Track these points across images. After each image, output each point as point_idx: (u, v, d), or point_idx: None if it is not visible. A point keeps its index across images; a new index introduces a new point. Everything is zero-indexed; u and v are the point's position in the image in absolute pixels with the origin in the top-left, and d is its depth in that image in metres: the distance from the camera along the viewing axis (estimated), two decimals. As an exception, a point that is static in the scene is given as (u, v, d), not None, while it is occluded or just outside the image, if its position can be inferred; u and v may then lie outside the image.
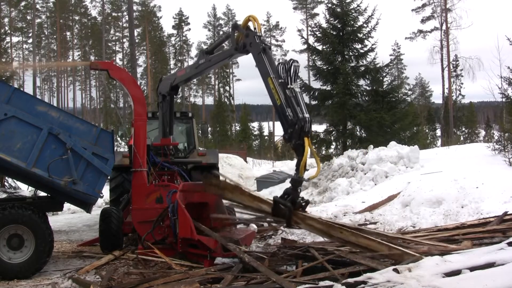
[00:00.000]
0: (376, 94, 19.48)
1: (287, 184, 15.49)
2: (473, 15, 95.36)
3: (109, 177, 9.30)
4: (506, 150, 12.06)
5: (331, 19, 20.39)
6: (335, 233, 6.22)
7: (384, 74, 20.14)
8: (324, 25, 20.74)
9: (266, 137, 64.24)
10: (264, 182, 17.92)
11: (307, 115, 6.50)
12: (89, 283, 6.40)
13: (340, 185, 12.73)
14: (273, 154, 50.25)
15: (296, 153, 6.75)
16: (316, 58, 21.80)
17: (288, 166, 30.18)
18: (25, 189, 15.56)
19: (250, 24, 7.52)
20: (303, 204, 6.66)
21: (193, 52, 67.91)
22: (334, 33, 20.13)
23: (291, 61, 6.79)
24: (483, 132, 48.57)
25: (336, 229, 6.24)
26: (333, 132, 19.92)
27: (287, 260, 6.81)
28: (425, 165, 12.67)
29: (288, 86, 6.62)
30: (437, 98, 71.37)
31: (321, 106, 20.44)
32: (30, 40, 59.41)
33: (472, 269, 5.02)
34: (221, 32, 66.66)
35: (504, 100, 15.71)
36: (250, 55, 7.46)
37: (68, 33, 66.23)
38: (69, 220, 13.91)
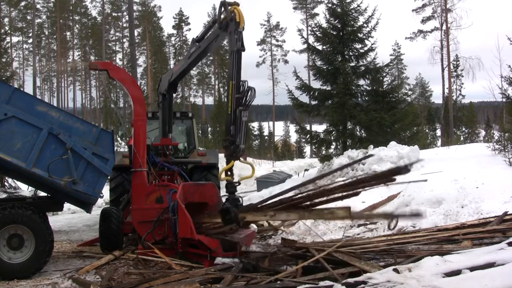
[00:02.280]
0: (376, 94, 19.46)
1: (287, 184, 15.51)
2: (474, 15, 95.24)
3: (109, 177, 9.30)
4: (506, 150, 12.04)
5: (331, 19, 20.36)
6: (274, 217, 6.69)
7: (384, 74, 20.12)
8: (324, 25, 20.72)
9: (266, 137, 64.23)
10: (264, 182, 17.90)
11: (242, 146, 7.38)
12: (89, 283, 6.41)
13: (340, 185, 12.71)
14: (273, 154, 50.24)
15: (226, 159, 7.61)
16: (316, 58, 21.77)
17: (288, 166, 30.17)
18: (25, 189, 15.57)
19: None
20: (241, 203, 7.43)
21: (193, 52, 67.83)
22: (334, 33, 20.10)
23: (248, 87, 7.29)
24: (483, 132, 48.55)
25: (271, 212, 6.60)
26: (333, 132, 19.89)
27: (287, 260, 6.81)
28: (425, 165, 12.65)
29: (240, 108, 7.22)
30: (437, 98, 71.45)
31: (321, 106, 20.42)
32: (30, 40, 59.44)
33: (472, 269, 5.03)
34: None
35: (504, 100, 15.68)
36: None
37: (68, 33, 66.22)
38: (69, 220, 13.92)
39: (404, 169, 5.12)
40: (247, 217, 6.88)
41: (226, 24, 7.67)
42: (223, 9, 7.76)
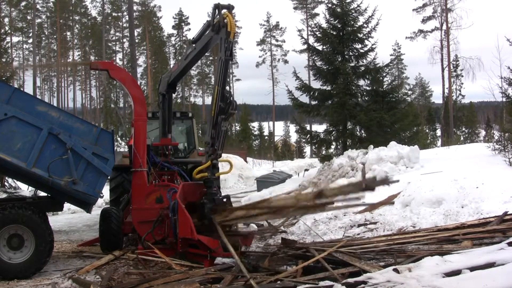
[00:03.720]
0: (376, 94, 19.46)
1: (287, 184, 15.53)
2: (474, 15, 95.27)
3: (109, 177, 9.30)
4: (506, 150, 12.05)
5: (331, 19, 20.37)
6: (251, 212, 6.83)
7: (384, 74, 20.12)
8: (324, 25, 20.73)
9: (266, 137, 64.24)
10: (264, 182, 17.91)
11: (219, 152, 7.83)
12: (89, 283, 6.41)
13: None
14: (273, 154, 50.26)
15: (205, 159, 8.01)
16: (316, 58, 21.77)
17: (288, 166, 30.16)
18: (25, 189, 15.56)
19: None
20: (224, 200, 7.84)
21: (193, 52, 67.83)
22: (334, 33, 20.11)
23: (230, 100, 7.63)
24: (483, 132, 48.55)
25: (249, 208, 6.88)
26: (333, 132, 19.90)
27: (287, 260, 6.81)
28: (425, 165, 12.66)
29: (221, 116, 7.60)
30: (437, 98, 71.50)
31: (321, 106, 20.42)
32: (30, 40, 59.42)
33: (472, 269, 5.03)
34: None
35: (504, 100, 15.71)
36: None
37: (68, 33, 66.14)
38: (69, 220, 13.92)
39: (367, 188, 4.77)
40: (217, 216, 7.19)
41: (218, 27, 7.76)
42: (216, 11, 7.85)
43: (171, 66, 62.31)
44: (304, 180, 15.69)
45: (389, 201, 10.28)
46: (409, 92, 34.66)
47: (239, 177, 25.29)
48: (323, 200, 5.17)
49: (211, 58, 61.82)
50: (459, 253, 5.92)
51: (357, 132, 19.56)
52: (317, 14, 52.12)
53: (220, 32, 7.71)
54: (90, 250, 9.14)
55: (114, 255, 8.12)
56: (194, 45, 9.07)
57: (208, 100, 69.06)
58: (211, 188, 7.89)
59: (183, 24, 65.83)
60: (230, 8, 7.82)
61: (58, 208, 8.70)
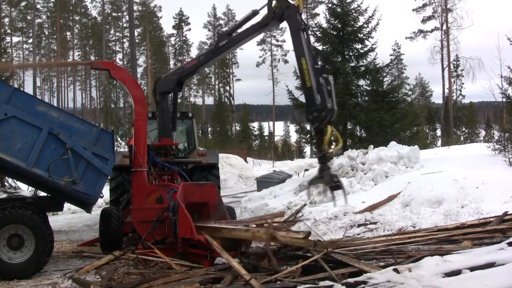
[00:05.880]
0: (376, 94, 19.44)
1: (287, 184, 15.51)
2: (474, 15, 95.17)
3: (109, 177, 9.30)
4: (506, 150, 12.06)
5: (331, 19, 20.35)
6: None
7: (384, 74, 20.11)
8: (325, 25, 20.71)
9: (266, 137, 64.22)
10: (264, 182, 17.87)
11: (335, 107, 7.20)
12: (89, 283, 6.41)
13: (340, 185, 12.70)
14: (273, 154, 50.24)
15: (316, 134, 7.64)
16: (316, 58, 21.73)
17: (288, 166, 30.14)
18: (25, 189, 15.57)
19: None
20: (336, 182, 7.38)
21: (193, 52, 67.84)
22: (334, 33, 20.09)
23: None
24: (483, 132, 48.62)
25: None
26: (333, 132, 19.87)
27: (287, 260, 6.82)
28: (425, 165, 12.66)
29: (324, 75, 7.17)
30: (437, 98, 71.41)
31: (321, 106, 20.38)
32: (30, 40, 59.41)
33: (472, 269, 5.03)
34: (221, 32, 66.61)
35: (504, 100, 15.71)
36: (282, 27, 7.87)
37: (68, 33, 66.18)
38: (69, 220, 13.92)
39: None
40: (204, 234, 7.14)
41: (282, 12, 7.77)
42: (274, 2, 7.89)
43: (171, 66, 62.48)
44: (304, 180, 15.67)
45: (389, 201, 10.31)
46: (409, 92, 34.60)
47: (239, 177, 25.28)
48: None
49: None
50: (459, 253, 5.92)
51: (357, 132, 19.55)
52: (318, 14, 52.16)
53: (284, 15, 7.72)
54: (90, 250, 9.14)
55: (114, 255, 8.12)
56: (230, 36, 8.93)
57: (208, 100, 69.25)
58: (326, 165, 7.55)
59: (183, 24, 65.85)
60: None
61: (58, 208, 8.70)
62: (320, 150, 7.47)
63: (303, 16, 8.80)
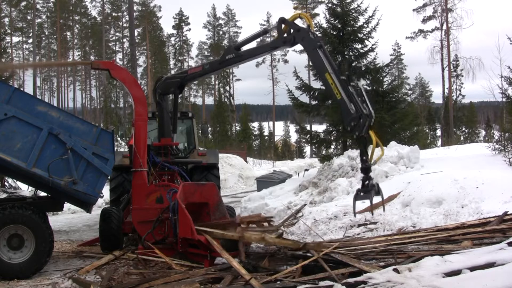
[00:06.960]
0: (376, 94, 19.42)
1: (287, 184, 15.53)
2: (474, 15, 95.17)
3: (109, 177, 9.30)
4: (506, 150, 12.07)
5: (331, 19, 20.34)
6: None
7: (384, 74, 20.11)
8: (324, 25, 20.70)
9: (266, 137, 64.22)
10: (264, 182, 17.88)
11: (372, 111, 7.03)
12: (89, 283, 6.41)
13: (340, 185, 12.70)
14: (273, 154, 50.24)
15: (358, 143, 7.49)
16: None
17: (288, 166, 30.16)
18: (25, 189, 15.57)
19: (298, 21, 7.74)
20: (377, 189, 7.27)
21: (193, 52, 67.96)
22: (334, 33, 20.08)
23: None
24: (483, 132, 48.60)
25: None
26: (333, 132, 19.86)
27: (287, 260, 6.82)
28: (425, 165, 12.66)
29: (352, 83, 7.14)
30: (437, 98, 71.55)
31: (321, 106, 20.38)
32: (30, 40, 59.41)
33: (472, 269, 5.03)
34: (220, 32, 66.70)
35: (504, 100, 15.71)
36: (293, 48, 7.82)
37: (68, 33, 66.19)
38: (69, 220, 13.92)
39: None
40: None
41: (293, 38, 7.76)
42: (283, 25, 7.89)
43: (171, 66, 62.41)
44: (304, 180, 15.68)
45: (389, 201, 10.29)
46: (409, 92, 34.72)
47: (239, 177, 25.29)
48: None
49: (211, 58, 61.85)
50: (459, 253, 5.92)
51: (357, 132, 19.51)
52: (317, 14, 52.05)
53: (296, 38, 7.72)
54: (90, 250, 9.15)
55: (114, 255, 8.13)
56: (237, 51, 8.84)
57: (208, 100, 69.33)
58: (369, 176, 7.27)
59: (183, 24, 65.88)
60: (298, 13, 8.04)
61: (58, 208, 8.70)
62: (363, 161, 7.18)
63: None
